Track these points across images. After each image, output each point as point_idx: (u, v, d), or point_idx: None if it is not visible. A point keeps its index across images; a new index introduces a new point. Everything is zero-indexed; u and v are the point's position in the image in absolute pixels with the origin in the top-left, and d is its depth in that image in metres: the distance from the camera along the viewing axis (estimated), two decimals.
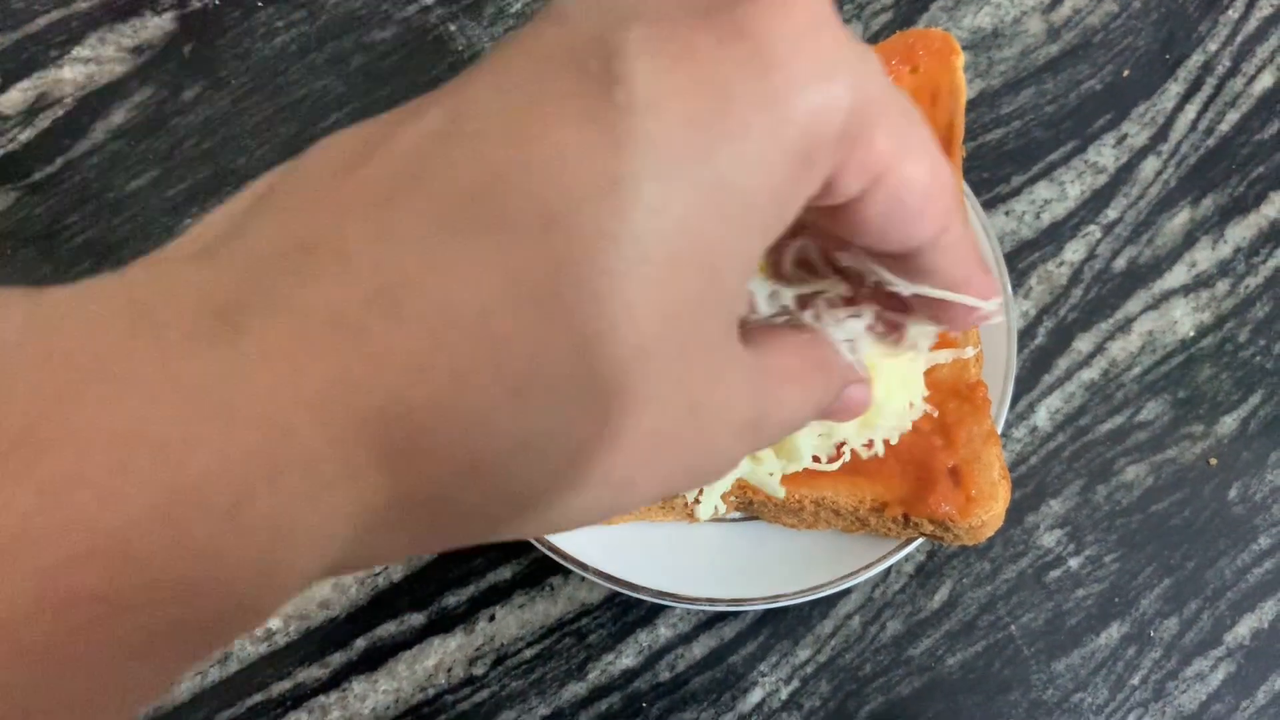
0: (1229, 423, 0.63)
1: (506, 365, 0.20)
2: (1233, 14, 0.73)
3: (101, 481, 0.17)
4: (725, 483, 0.54)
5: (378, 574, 0.59)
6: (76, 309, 0.18)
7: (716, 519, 0.57)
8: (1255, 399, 0.64)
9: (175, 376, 0.18)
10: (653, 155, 0.20)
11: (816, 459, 0.54)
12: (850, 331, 0.34)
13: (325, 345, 0.19)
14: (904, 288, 0.29)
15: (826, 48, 0.21)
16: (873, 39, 0.72)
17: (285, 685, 0.57)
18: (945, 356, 0.56)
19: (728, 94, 0.20)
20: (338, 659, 0.58)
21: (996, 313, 0.32)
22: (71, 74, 0.68)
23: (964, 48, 0.71)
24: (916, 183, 0.25)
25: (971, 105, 0.70)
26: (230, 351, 0.18)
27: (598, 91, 0.20)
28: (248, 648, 0.57)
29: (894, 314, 0.31)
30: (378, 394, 0.19)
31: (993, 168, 0.69)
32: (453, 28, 0.70)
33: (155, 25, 0.69)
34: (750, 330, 0.29)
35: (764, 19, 0.21)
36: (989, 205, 0.67)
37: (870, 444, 0.54)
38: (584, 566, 0.55)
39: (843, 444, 0.54)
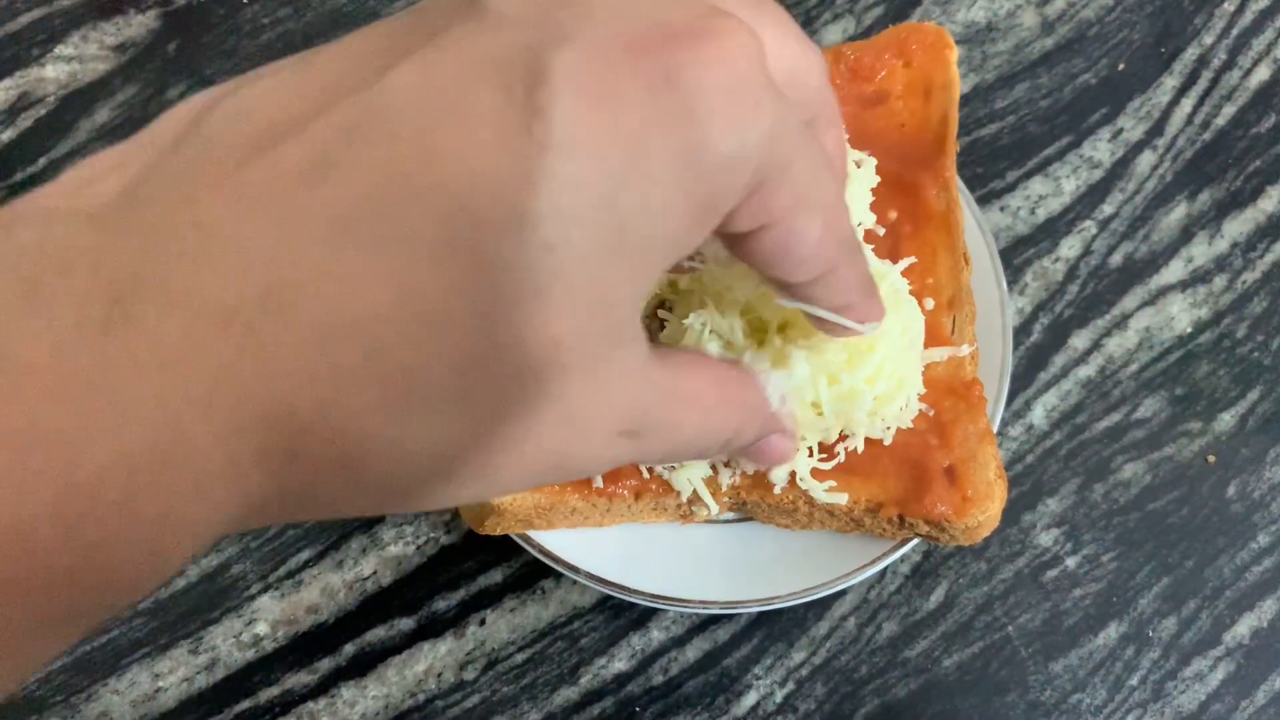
0: (1227, 419, 0.63)
1: (388, 377, 0.21)
2: (1228, 6, 0.73)
3: (1, 478, 0.17)
4: (704, 469, 0.53)
5: (366, 578, 0.58)
6: None
7: (710, 520, 0.56)
8: (1253, 395, 0.63)
9: (70, 369, 0.18)
10: (560, 196, 0.20)
11: (810, 451, 0.53)
12: (782, 385, 0.37)
13: (215, 343, 0.19)
14: (785, 302, 0.32)
15: (749, 105, 0.23)
16: (865, 33, 0.71)
17: (273, 692, 0.56)
18: (941, 355, 0.55)
19: (644, 146, 0.21)
20: (326, 665, 0.57)
21: (868, 332, 0.35)
22: (54, 73, 0.67)
23: (957, 42, 0.70)
24: (806, 235, 0.27)
25: (965, 100, 0.69)
26: (122, 344, 0.18)
27: (518, 123, 0.20)
28: (235, 653, 0.57)
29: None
30: (263, 397, 0.20)
31: (987, 163, 0.68)
32: None
33: (139, 23, 0.68)
34: (679, 355, 0.30)
35: (695, 70, 0.22)
36: (983, 201, 0.67)
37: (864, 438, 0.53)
38: (575, 570, 0.54)
39: (837, 443, 0.53)
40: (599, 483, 0.52)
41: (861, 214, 0.56)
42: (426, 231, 0.20)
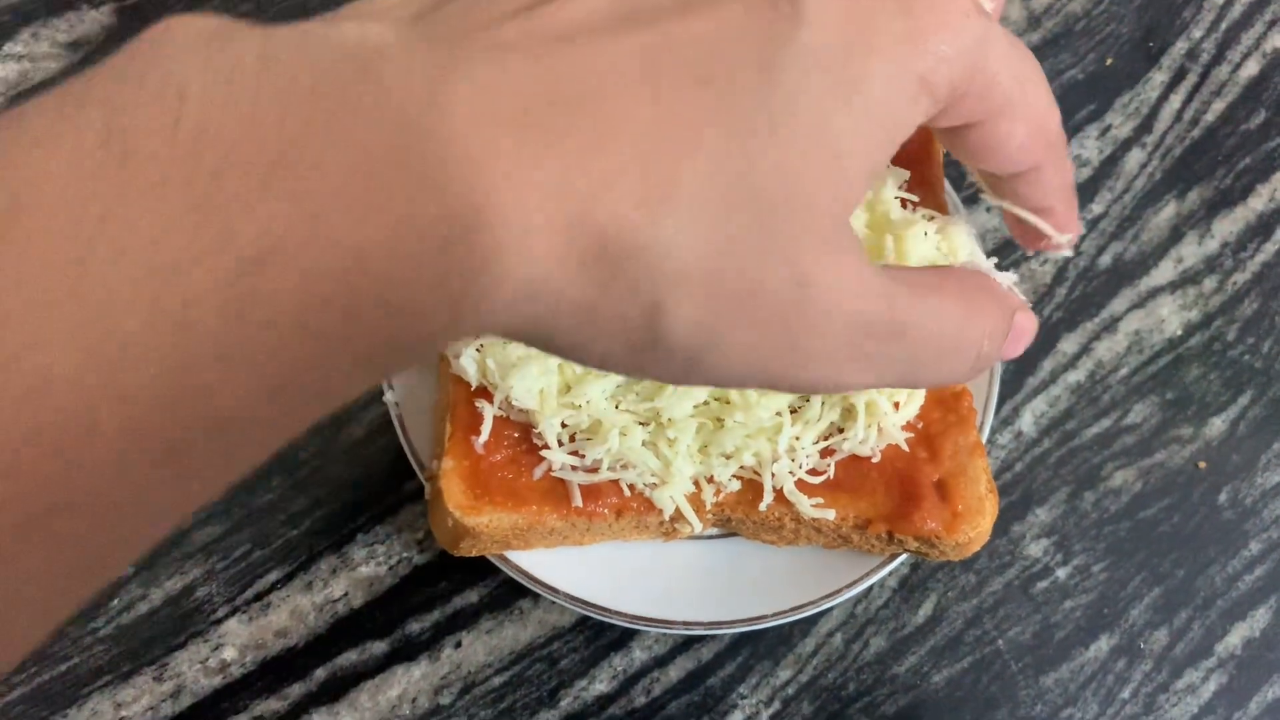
0: (1218, 424, 0.62)
1: (696, 194, 0.24)
2: None
3: (346, 205, 0.20)
4: (686, 485, 0.51)
5: (336, 600, 0.56)
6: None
7: (693, 537, 0.54)
8: (1244, 399, 0.62)
9: (418, 125, 0.21)
10: (801, 55, 0.24)
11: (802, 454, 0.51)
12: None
13: (514, 134, 0.22)
14: (991, 199, 0.34)
15: (959, 14, 0.26)
16: None
17: (242, 719, 0.54)
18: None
19: (873, 25, 0.25)
20: (296, 690, 0.55)
21: (1064, 246, 0.35)
22: (3, 71, 0.64)
23: None
24: (1012, 136, 0.29)
25: None
26: (451, 111, 0.21)
27: (766, 4, 0.24)
28: (201, 680, 0.55)
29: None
30: (579, 193, 0.22)
31: None
32: None
33: (92, 19, 0.65)
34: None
35: None
36: (969, 202, 0.65)
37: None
38: (554, 591, 0.52)
39: (829, 454, 0.52)
40: (578, 501, 0.51)
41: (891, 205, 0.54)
42: (697, 72, 0.23)
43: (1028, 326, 0.34)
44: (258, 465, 0.22)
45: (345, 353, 0.21)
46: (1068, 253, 0.37)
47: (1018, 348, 0.34)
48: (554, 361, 0.50)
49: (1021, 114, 0.29)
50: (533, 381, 0.50)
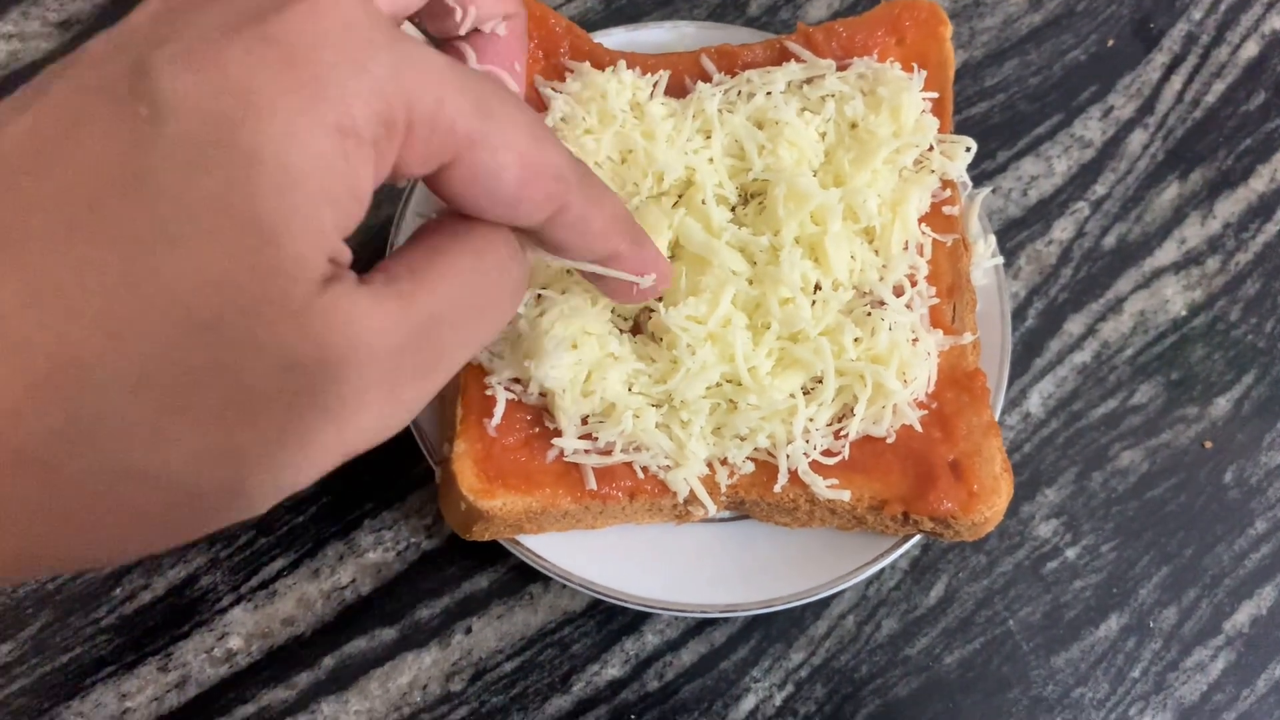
0: (1223, 404, 0.62)
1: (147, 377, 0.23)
2: None
3: None
4: (700, 468, 0.51)
5: (344, 587, 0.55)
6: None
7: (706, 519, 0.54)
8: (1248, 379, 0.62)
9: None
10: (173, 152, 0.22)
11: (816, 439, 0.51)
12: None
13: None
14: (550, 260, 0.32)
15: (357, 43, 0.24)
16: (850, 9, 0.69)
17: (249, 709, 0.53)
18: (944, 343, 0.53)
19: (250, 88, 0.23)
20: (305, 679, 0.54)
21: (652, 289, 0.34)
22: None
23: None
24: (502, 170, 0.27)
25: (955, 78, 0.67)
26: None
27: (127, 111, 0.22)
28: (207, 670, 0.54)
29: None
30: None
31: (978, 143, 0.66)
32: None
33: None
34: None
35: (292, 25, 0.24)
36: (976, 182, 0.65)
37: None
38: (567, 575, 0.52)
39: (842, 434, 0.51)
40: (592, 484, 0.50)
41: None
42: (63, 202, 0.22)
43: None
44: None
45: None
46: (651, 287, 0.35)
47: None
48: (586, 352, 0.50)
49: (500, 143, 0.27)
50: (563, 372, 0.49)
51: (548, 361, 0.48)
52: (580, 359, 0.49)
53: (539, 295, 0.50)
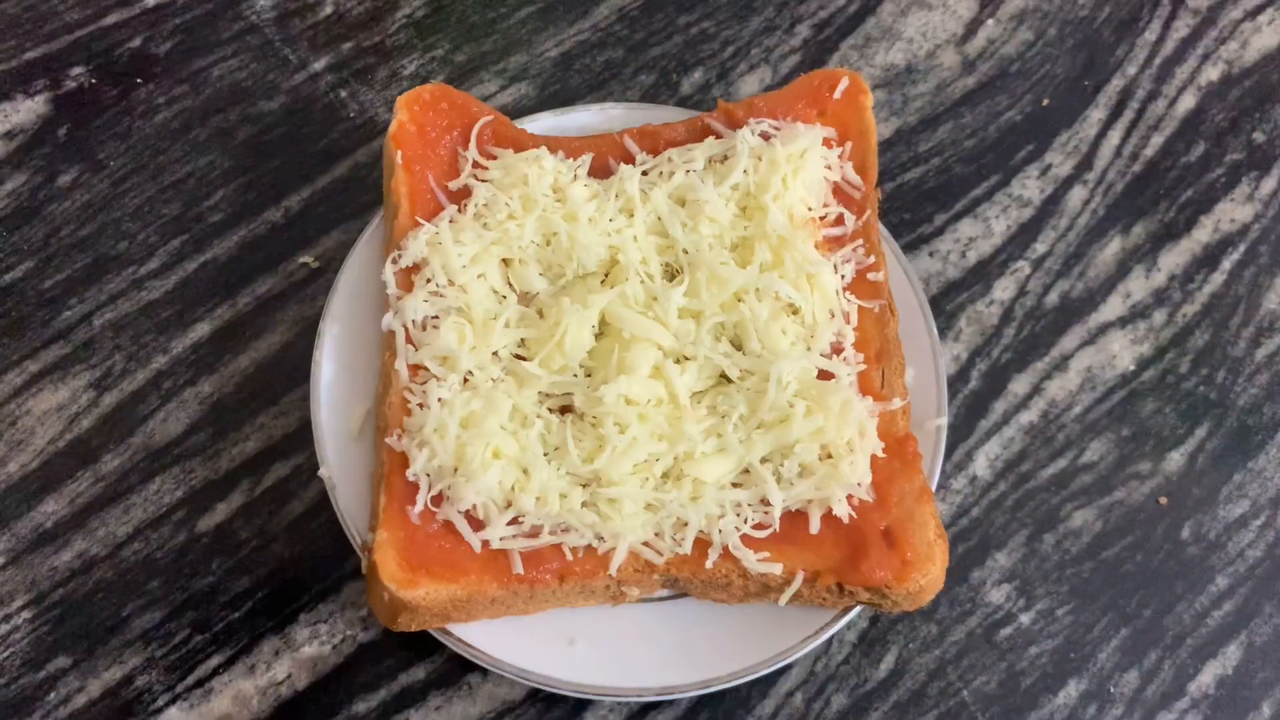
0: (1176, 458, 0.61)
1: None
2: (1149, 36, 0.72)
3: None
4: (642, 533, 0.50)
5: (280, 683, 0.54)
6: None
7: (643, 599, 0.53)
8: (1201, 432, 0.61)
9: None
10: None
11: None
12: None
13: None
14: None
15: None
16: (782, 82, 0.70)
17: None
18: (872, 410, 0.53)
19: None
20: None
21: None
22: None
23: (877, 86, 0.69)
24: None
25: (888, 145, 0.68)
26: None
27: None
28: None
29: None
30: None
31: (914, 208, 0.66)
32: (344, 94, 0.66)
33: (27, 108, 0.66)
34: None
35: None
36: (911, 248, 0.65)
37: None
38: (500, 664, 0.51)
39: (768, 510, 0.51)
40: (519, 569, 0.49)
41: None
42: None
43: None
44: None
45: None
46: None
47: None
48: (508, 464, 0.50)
49: None
50: (490, 486, 0.50)
51: (472, 487, 0.49)
52: (503, 478, 0.50)
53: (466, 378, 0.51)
